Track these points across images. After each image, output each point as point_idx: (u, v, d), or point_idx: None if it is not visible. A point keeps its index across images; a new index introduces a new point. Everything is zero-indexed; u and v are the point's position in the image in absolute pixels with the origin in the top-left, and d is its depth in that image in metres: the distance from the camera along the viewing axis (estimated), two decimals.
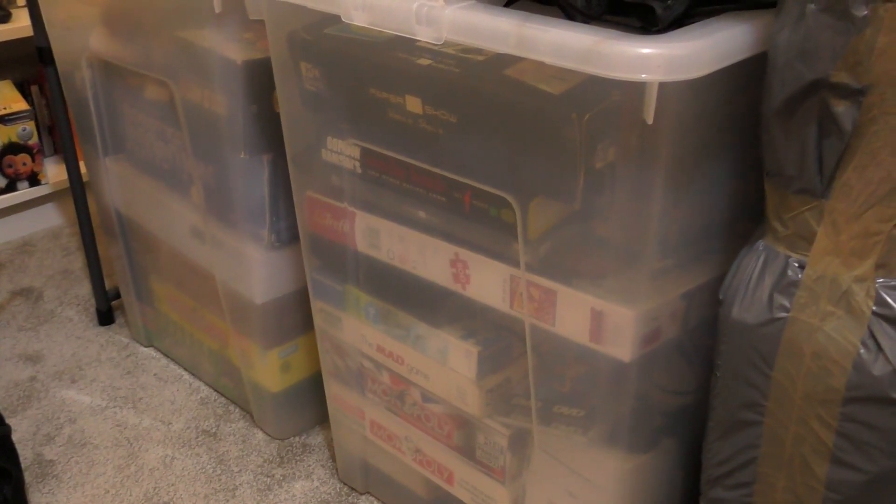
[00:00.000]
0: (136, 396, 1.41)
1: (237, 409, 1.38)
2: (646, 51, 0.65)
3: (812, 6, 0.62)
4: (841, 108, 0.64)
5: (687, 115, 0.72)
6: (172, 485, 1.24)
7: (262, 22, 0.98)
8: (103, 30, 1.23)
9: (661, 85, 0.66)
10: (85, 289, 1.70)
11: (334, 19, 0.85)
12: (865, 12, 0.60)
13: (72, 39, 1.30)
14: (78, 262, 1.80)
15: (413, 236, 0.94)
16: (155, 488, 1.23)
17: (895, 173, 0.64)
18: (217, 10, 1.00)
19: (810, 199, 0.69)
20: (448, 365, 0.97)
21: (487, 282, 0.89)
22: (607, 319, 0.80)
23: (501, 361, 0.94)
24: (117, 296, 1.57)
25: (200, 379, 1.45)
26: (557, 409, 0.89)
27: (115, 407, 1.39)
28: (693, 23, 0.70)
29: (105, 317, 1.59)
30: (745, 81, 0.73)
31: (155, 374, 1.47)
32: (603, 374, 0.83)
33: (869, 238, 0.67)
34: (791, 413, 0.73)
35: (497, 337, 0.93)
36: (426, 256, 0.94)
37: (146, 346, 1.53)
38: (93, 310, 1.62)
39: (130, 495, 1.22)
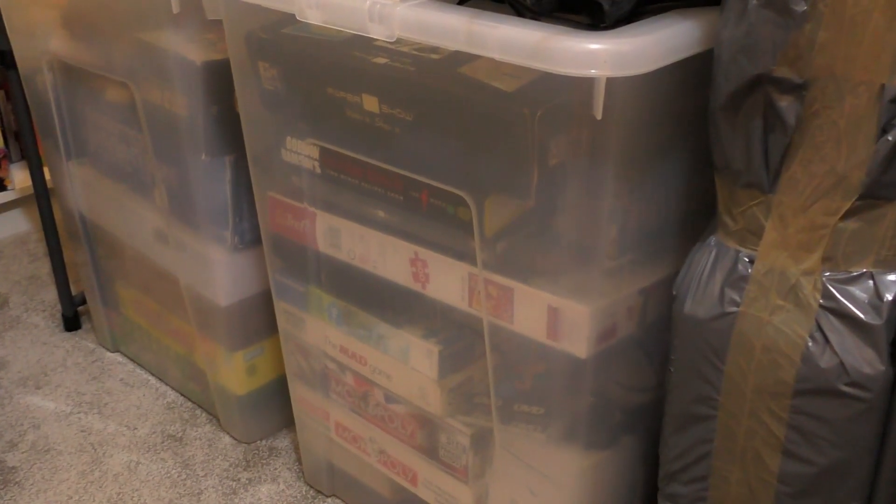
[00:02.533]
0: (101, 402, 1.40)
1: (203, 414, 1.37)
2: (593, 46, 0.65)
3: (754, 2, 0.63)
4: (784, 102, 0.64)
5: (637, 111, 0.72)
6: (137, 490, 1.23)
7: (220, 22, 0.97)
8: (64, 32, 1.23)
9: (609, 81, 0.67)
10: (51, 294, 1.69)
11: (291, 19, 0.85)
12: (805, 7, 0.61)
13: (33, 43, 1.29)
14: (45, 267, 1.78)
15: (373, 236, 0.94)
16: (119, 494, 1.22)
17: (839, 167, 0.65)
18: (175, 11, 1.00)
19: (758, 193, 0.69)
20: (410, 365, 0.97)
21: (446, 280, 0.89)
22: (563, 316, 0.80)
23: (462, 360, 0.94)
24: (83, 301, 1.56)
25: (167, 383, 1.44)
26: (518, 408, 0.89)
27: (79, 412, 1.38)
28: (641, 20, 0.70)
29: (71, 322, 1.58)
30: (695, 78, 0.73)
31: (121, 380, 1.46)
32: (560, 372, 0.84)
33: (815, 231, 0.68)
34: (743, 407, 0.73)
35: (458, 336, 0.93)
36: (386, 256, 0.94)
37: (112, 352, 1.52)
38: (59, 315, 1.61)
39: (94, 501, 1.21)
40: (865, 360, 0.67)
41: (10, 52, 1.36)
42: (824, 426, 0.70)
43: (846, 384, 0.68)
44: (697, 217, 0.84)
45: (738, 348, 0.72)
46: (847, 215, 0.66)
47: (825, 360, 0.68)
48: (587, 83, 0.68)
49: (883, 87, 0.61)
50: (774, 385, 0.71)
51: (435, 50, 0.79)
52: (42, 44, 1.26)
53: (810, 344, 0.69)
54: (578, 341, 0.80)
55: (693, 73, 0.72)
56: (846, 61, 0.62)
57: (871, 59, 0.61)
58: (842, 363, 0.67)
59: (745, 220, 0.71)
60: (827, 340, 0.68)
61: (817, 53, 0.62)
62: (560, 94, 0.72)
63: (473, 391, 0.95)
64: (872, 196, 0.65)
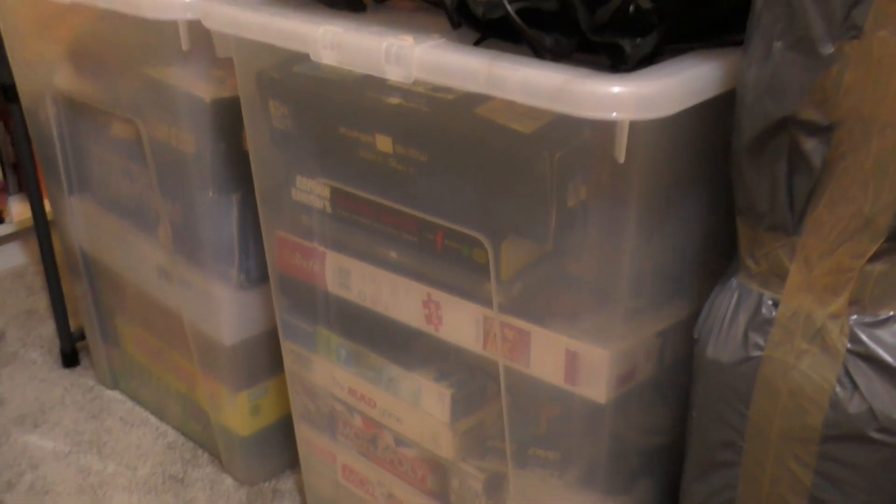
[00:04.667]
0: (100, 441, 1.38)
1: (205, 454, 1.35)
2: (616, 89, 0.64)
3: (779, 44, 0.62)
4: (810, 144, 0.64)
5: (658, 152, 0.72)
6: None
7: (230, 59, 0.97)
8: (69, 67, 1.22)
9: (632, 123, 0.66)
10: (49, 329, 1.66)
11: (303, 58, 0.84)
12: (831, 50, 0.60)
13: (37, 77, 1.28)
14: (42, 302, 1.76)
15: (384, 276, 0.93)
16: None
17: (865, 209, 0.64)
18: (185, 48, 0.99)
19: (782, 235, 0.68)
20: (421, 408, 0.96)
21: (460, 323, 0.87)
22: (582, 360, 0.79)
23: (475, 404, 0.93)
24: (82, 337, 1.54)
25: (167, 422, 1.41)
26: (533, 452, 0.87)
27: (78, 452, 1.35)
28: (661, 61, 0.70)
29: (69, 358, 1.55)
30: (715, 119, 0.73)
31: (120, 418, 1.43)
32: (578, 416, 0.82)
33: (842, 274, 0.67)
34: (768, 453, 0.72)
35: (471, 378, 0.92)
36: (398, 297, 0.92)
37: (112, 389, 1.50)
38: (57, 351, 1.58)
39: None
40: (895, 406, 0.65)
41: (13, 86, 1.35)
42: (853, 473, 0.68)
43: (876, 430, 0.66)
44: (714, 257, 0.83)
45: (762, 393, 0.71)
46: (874, 258, 0.65)
47: (854, 406, 0.67)
48: (609, 125, 0.67)
49: None
50: (801, 431, 0.69)
51: (449, 90, 0.78)
52: (46, 77, 1.26)
53: (838, 389, 0.67)
54: (598, 385, 0.79)
55: (713, 112, 0.71)
56: (873, 103, 0.61)
57: None
58: (871, 409, 0.66)
59: (768, 263, 0.70)
60: (855, 385, 0.67)
61: (844, 96, 0.61)
62: (579, 135, 0.71)
63: (487, 435, 0.93)
64: None
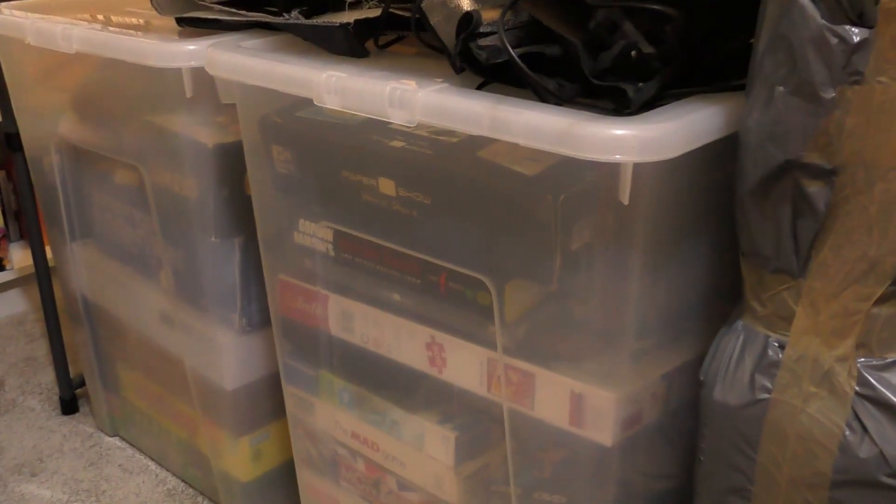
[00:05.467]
0: (99, 489, 1.36)
1: (206, 501, 1.33)
2: (619, 132, 0.65)
3: (781, 88, 0.63)
4: (814, 188, 0.64)
5: (662, 195, 0.72)
6: None
7: (233, 105, 0.97)
8: (73, 115, 1.23)
9: (636, 166, 0.66)
10: (49, 377, 1.65)
11: (306, 102, 0.85)
12: (833, 94, 0.61)
13: (41, 125, 1.29)
14: (42, 349, 1.75)
15: (388, 319, 0.92)
16: None
17: (871, 252, 0.64)
18: (188, 95, 1.00)
19: (788, 278, 0.68)
20: (425, 451, 0.95)
21: (464, 365, 0.87)
22: (587, 403, 0.78)
23: (480, 447, 0.92)
24: (82, 384, 1.53)
25: (168, 469, 1.40)
26: (538, 496, 0.86)
27: (77, 501, 1.33)
28: (664, 104, 0.70)
29: (69, 406, 1.54)
30: (719, 161, 0.73)
31: (120, 465, 1.41)
32: (584, 459, 0.81)
33: (848, 317, 0.66)
34: (777, 498, 0.71)
35: (475, 421, 0.91)
36: (401, 340, 0.92)
37: (111, 436, 1.48)
38: (56, 398, 1.57)
39: None
40: None
41: (17, 135, 1.36)
42: None
43: (887, 475, 0.66)
44: (719, 299, 0.83)
45: (771, 437, 0.70)
46: (880, 301, 0.65)
47: (864, 451, 0.66)
48: (612, 168, 0.67)
49: None
50: (811, 476, 0.69)
51: (452, 133, 0.79)
52: (50, 126, 1.26)
53: (847, 433, 0.67)
54: (604, 428, 0.78)
55: (717, 156, 0.72)
56: (876, 148, 0.61)
57: None
58: (882, 453, 0.65)
59: (774, 305, 0.70)
60: (865, 429, 0.66)
61: (846, 140, 0.62)
62: (583, 178, 0.71)
63: (491, 479, 0.92)
64: None
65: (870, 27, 0.59)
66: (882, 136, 0.61)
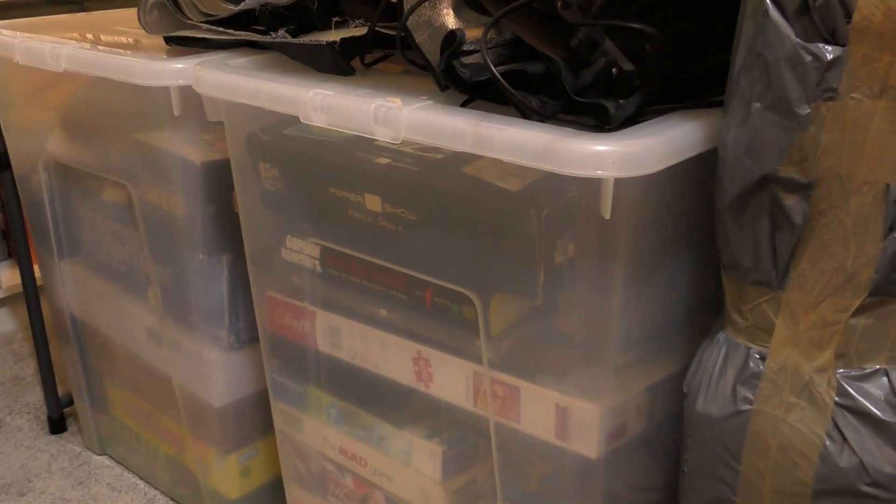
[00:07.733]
0: None
1: None
2: (601, 148, 0.66)
3: (757, 105, 0.64)
4: (791, 201, 0.65)
5: (644, 210, 0.73)
6: None
7: (220, 123, 0.98)
8: (61, 133, 1.23)
9: (617, 181, 0.67)
10: (36, 396, 1.65)
11: (293, 120, 0.86)
12: (808, 110, 0.62)
13: (29, 143, 1.29)
14: (30, 368, 1.75)
15: (374, 335, 0.93)
16: None
17: (847, 264, 0.65)
18: (176, 113, 1.01)
19: (767, 290, 0.69)
20: (412, 466, 0.95)
21: (450, 379, 0.88)
22: (572, 416, 0.79)
23: (467, 461, 0.92)
24: (70, 402, 1.52)
25: (156, 487, 1.39)
26: None
27: None
28: (644, 121, 0.72)
29: (57, 425, 1.54)
30: (699, 176, 0.74)
31: (108, 484, 1.41)
32: (570, 472, 0.82)
33: (827, 328, 0.68)
34: None
35: (462, 436, 0.91)
36: (388, 355, 0.93)
37: (99, 455, 1.48)
38: (44, 418, 1.57)
39: None
40: (886, 460, 0.66)
41: (5, 154, 1.36)
42: None
43: (867, 484, 0.66)
44: (700, 312, 0.84)
45: (753, 447, 0.71)
46: (858, 312, 0.66)
47: (844, 460, 0.67)
48: (594, 183, 0.68)
49: (888, 186, 0.62)
50: (793, 486, 0.69)
51: (437, 150, 0.80)
52: (38, 144, 1.27)
53: (828, 443, 0.68)
54: (588, 441, 0.79)
55: (696, 170, 0.73)
56: (850, 162, 0.63)
57: (874, 161, 0.62)
58: (861, 463, 0.66)
59: (754, 317, 0.71)
60: (845, 439, 0.67)
61: (821, 155, 0.63)
62: (566, 193, 0.72)
63: (478, 493, 0.92)
64: (883, 293, 0.65)
65: (842, 45, 0.60)
66: (856, 151, 0.62)
